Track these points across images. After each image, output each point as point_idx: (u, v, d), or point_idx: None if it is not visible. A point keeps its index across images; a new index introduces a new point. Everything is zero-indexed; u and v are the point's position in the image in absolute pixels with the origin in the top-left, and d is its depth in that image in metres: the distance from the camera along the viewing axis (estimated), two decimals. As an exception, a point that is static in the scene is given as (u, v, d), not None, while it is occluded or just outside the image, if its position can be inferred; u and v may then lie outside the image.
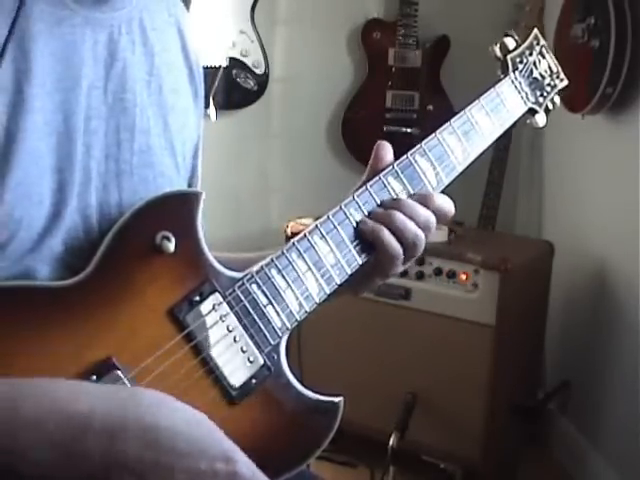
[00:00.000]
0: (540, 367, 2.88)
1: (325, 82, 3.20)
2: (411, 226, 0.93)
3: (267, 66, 3.04)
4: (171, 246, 0.83)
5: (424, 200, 0.96)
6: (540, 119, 1.18)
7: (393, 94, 3.11)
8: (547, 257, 2.62)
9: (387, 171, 0.98)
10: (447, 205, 0.98)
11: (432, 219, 0.96)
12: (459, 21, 3.12)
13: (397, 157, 1.00)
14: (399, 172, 0.98)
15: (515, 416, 2.47)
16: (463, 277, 2.38)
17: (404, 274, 2.39)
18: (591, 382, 2.61)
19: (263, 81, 3.05)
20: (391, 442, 2.33)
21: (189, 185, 1.04)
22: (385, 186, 0.97)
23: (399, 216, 0.94)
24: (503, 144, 2.91)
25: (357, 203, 0.95)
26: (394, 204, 0.95)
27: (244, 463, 0.76)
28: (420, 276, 2.43)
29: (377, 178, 0.97)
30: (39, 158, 0.81)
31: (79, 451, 0.70)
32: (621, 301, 2.46)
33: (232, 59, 2.99)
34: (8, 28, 0.79)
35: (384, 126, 3.12)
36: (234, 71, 3.00)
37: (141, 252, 0.83)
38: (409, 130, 3.10)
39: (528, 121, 1.19)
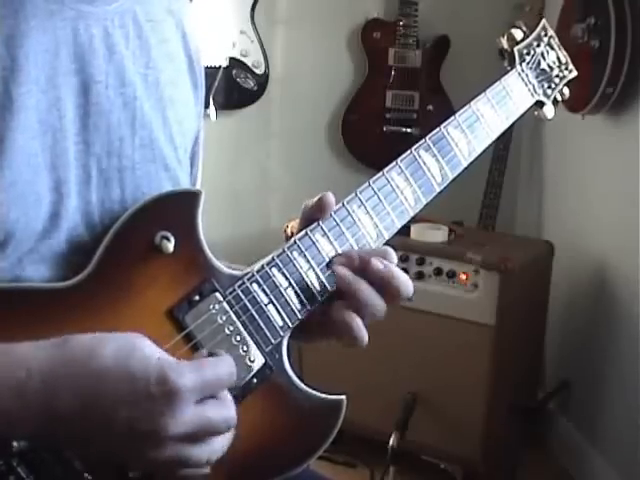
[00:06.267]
0: (540, 367, 2.87)
1: (325, 82, 3.20)
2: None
3: (267, 66, 3.04)
4: (170, 246, 0.83)
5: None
6: (548, 111, 1.16)
7: (393, 94, 3.11)
8: (547, 257, 2.61)
9: (391, 166, 0.97)
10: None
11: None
12: (459, 21, 3.12)
13: (397, 157, 1.00)
14: (403, 168, 0.97)
15: (515, 416, 2.47)
16: (463, 277, 2.37)
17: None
18: (591, 382, 2.61)
19: (263, 81, 3.05)
20: (391, 442, 2.33)
21: (191, 176, 1.03)
22: (389, 182, 0.96)
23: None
24: (503, 144, 2.91)
25: (360, 200, 0.95)
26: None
27: (182, 378, 0.73)
28: (420, 276, 2.42)
29: (380, 174, 0.96)
30: (32, 157, 0.80)
31: (21, 416, 0.70)
32: (621, 301, 2.45)
33: (232, 59, 2.99)
34: None
35: (384, 126, 3.12)
36: (234, 71, 3.00)
37: (140, 252, 0.83)
38: (409, 130, 3.10)
39: (536, 113, 1.17)
